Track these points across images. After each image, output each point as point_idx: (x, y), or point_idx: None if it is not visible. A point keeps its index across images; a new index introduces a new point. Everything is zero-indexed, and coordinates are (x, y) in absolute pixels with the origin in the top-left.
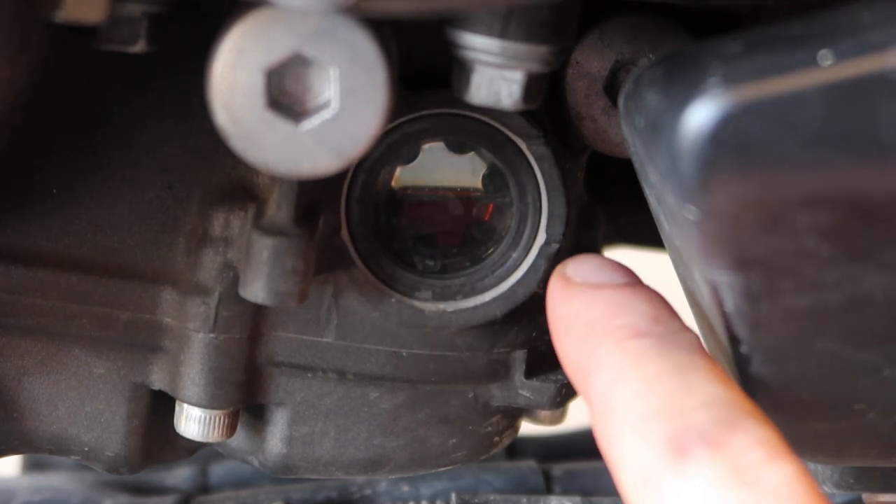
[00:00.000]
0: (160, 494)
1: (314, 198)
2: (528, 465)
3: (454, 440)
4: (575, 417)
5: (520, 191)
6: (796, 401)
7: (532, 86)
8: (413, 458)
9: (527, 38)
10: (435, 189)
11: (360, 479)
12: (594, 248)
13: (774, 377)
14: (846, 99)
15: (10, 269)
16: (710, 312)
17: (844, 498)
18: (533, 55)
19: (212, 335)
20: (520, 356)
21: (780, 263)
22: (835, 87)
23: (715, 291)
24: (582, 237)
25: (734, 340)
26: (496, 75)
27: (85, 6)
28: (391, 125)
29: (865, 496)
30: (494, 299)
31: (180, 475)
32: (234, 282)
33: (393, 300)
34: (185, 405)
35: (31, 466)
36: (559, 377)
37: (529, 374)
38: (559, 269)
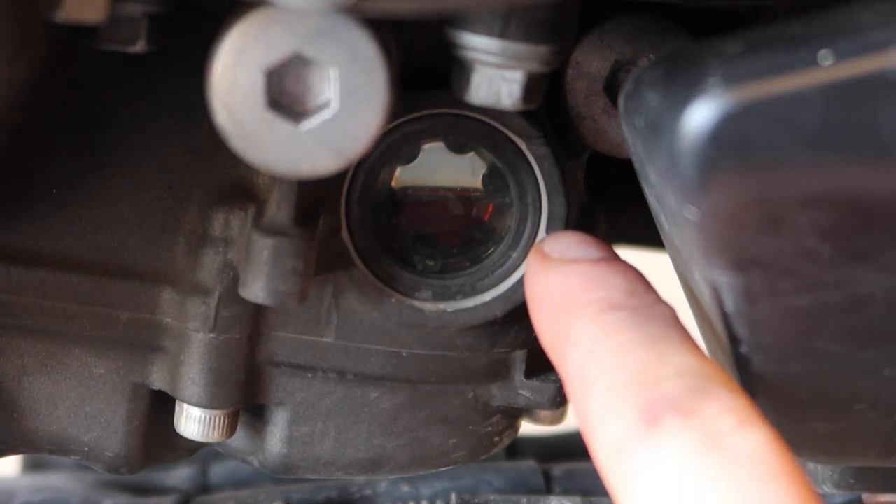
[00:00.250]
0: (160, 494)
1: (314, 198)
2: (528, 465)
3: (454, 440)
4: (575, 417)
5: (520, 191)
6: (796, 401)
7: (532, 86)
8: (413, 458)
9: (527, 38)
10: (435, 189)
11: (360, 479)
12: None
13: (774, 377)
14: (846, 99)
15: (10, 269)
16: (710, 312)
17: (844, 498)
18: (533, 55)
19: (212, 335)
20: (520, 356)
21: (780, 263)
22: (835, 87)
23: (715, 291)
24: None
25: (734, 340)
26: (496, 75)
27: (85, 6)
28: (391, 125)
29: (865, 496)
30: (494, 299)
31: (180, 475)
32: (234, 282)
33: (393, 300)
34: (185, 405)
35: (31, 466)
36: (559, 377)
37: (529, 374)
38: (536, 246)
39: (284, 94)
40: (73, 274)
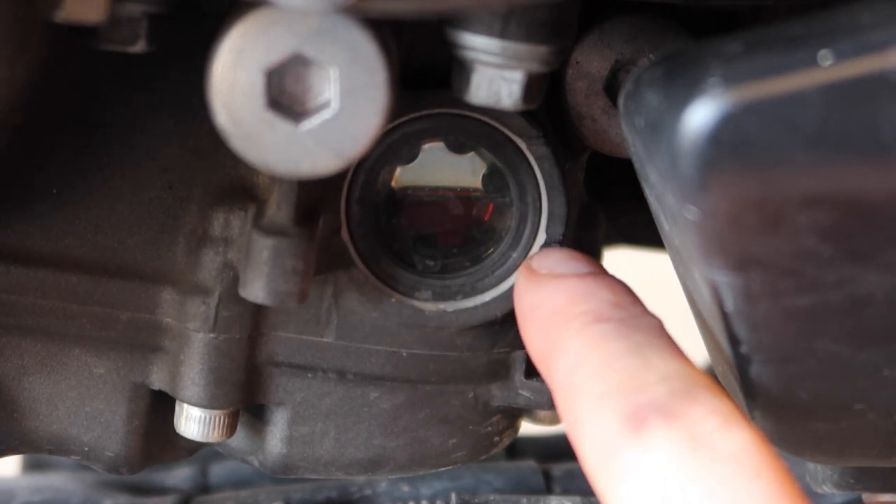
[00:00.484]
0: (160, 494)
1: (314, 198)
2: (528, 465)
3: (454, 440)
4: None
5: (520, 191)
6: (796, 401)
7: (532, 86)
8: (413, 458)
9: (527, 38)
10: (435, 189)
11: (360, 479)
12: (594, 248)
13: (774, 377)
14: (846, 99)
15: (10, 269)
16: (710, 312)
17: (844, 498)
18: (533, 55)
19: (212, 335)
20: (520, 356)
21: (780, 263)
22: (835, 87)
23: (715, 291)
24: (582, 237)
25: (734, 340)
26: (496, 75)
27: (85, 6)
28: (391, 125)
29: (865, 496)
30: (494, 299)
31: (180, 475)
32: (234, 282)
33: (393, 300)
34: (185, 405)
35: (31, 466)
36: None
37: (529, 374)
38: (525, 262)
39: (284, 94)
40: (73, 274)
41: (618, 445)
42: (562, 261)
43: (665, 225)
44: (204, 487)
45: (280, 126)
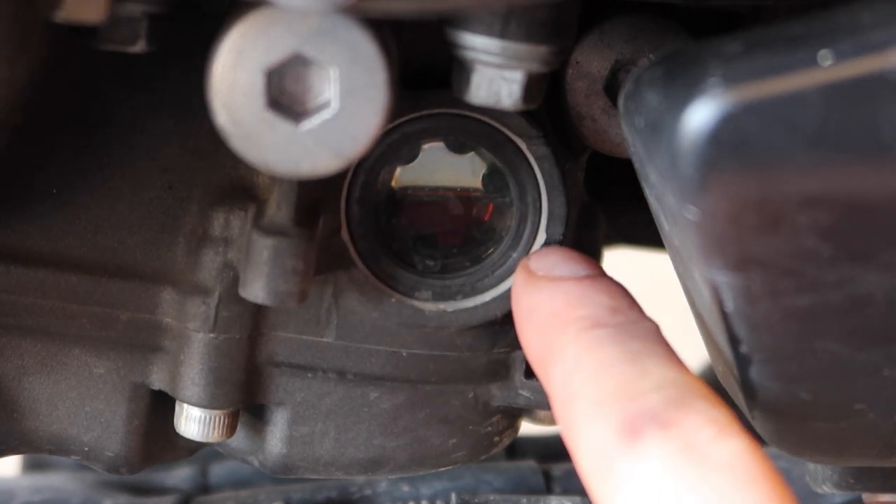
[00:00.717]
0: (160, 494)
1: (314, 198)
2: (528, 465)
3: (454, 440)
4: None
5: (520, 191)
6: (796, 401)
7: (532, 86)
8: (413, 458)
9: (527, 38)
10: (435, 189)
11: (360, 479)
12: (594, 248)
13: (774, 377)
14: (846, 99)
15: (10, 269)
16: (710, 313)
17: (844, 498)
18: (533, 55)
19: (212, 335)
20: (520, 356)
21: (780, 263)
22: (835, 87)
23: (715, 291)
24: (582, 237)
25: (734, 340)
26: (496, 75)
27: (85, 6)
28: (391, 125)
29: (865, 496)
30: (494, 299)
31: (180, 475)
32: (234, 282)
33: (393, 300)
34: (185, 405)
35: (31, 466)
36: None
37: (529, 374)
38: (523, 262)
39: (284, 94)
40: (73, 274)
41: (613, 455)
42: (559, 262)
43: (665, 225)
44: (204, 487)
45: (280, 126)
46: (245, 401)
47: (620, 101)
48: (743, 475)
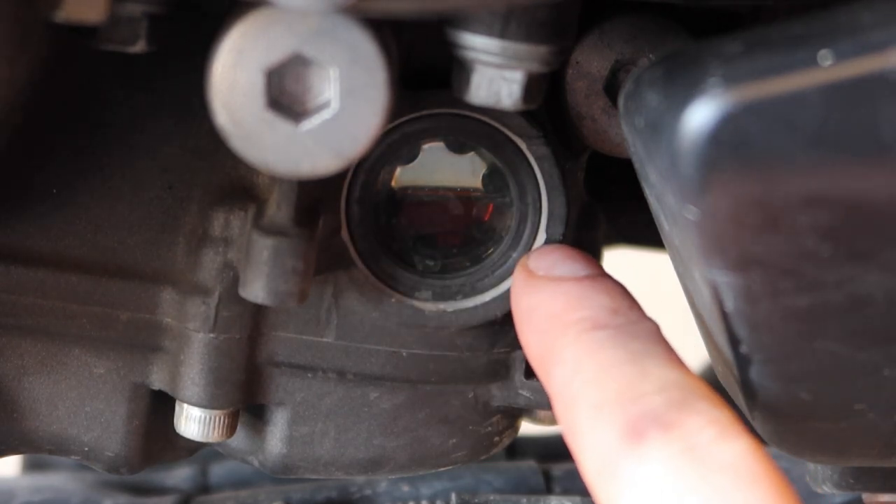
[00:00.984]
0: (160, 494)
1: (314, 198)
2: (528, 465)
3: (454, 440)
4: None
5: (520, 191)
6: (796, 401)
7: (532, 86)
8: (413, 458)
9: (527, 38)
10: (435, 189)
11: (360, 479)
12: (594, 248)
13: (774, 377)
14: (846, 99)
15: (10, 269)
16: (710, 313)
17: (844, 498)
18: (533, 55)
19: (212, 335)
20: (520, 356)
21: (780, 263)
22: (835, 87)
23: (715, 291)
24: (582, 237)
25: (734, 340)
26: (496, 75)
27: (85, 6)
28: (391, 125)
29: (865, 496)
30: (494, 299)
31: (180, 475)
32: (234, 282)
33: (393, 300)
34: (185, 405)
35: (31, 466)
36: None
37: (529, 374)
38: (522, 260)
39: (284, 94)
40: (73, 274)
41: (616, 458)
42: (559, 261)
43: (665, 225)
44: (204, 487)
45: (280, 126)
46: (245, 401)
47: (620, 101)
48: (745, 476)
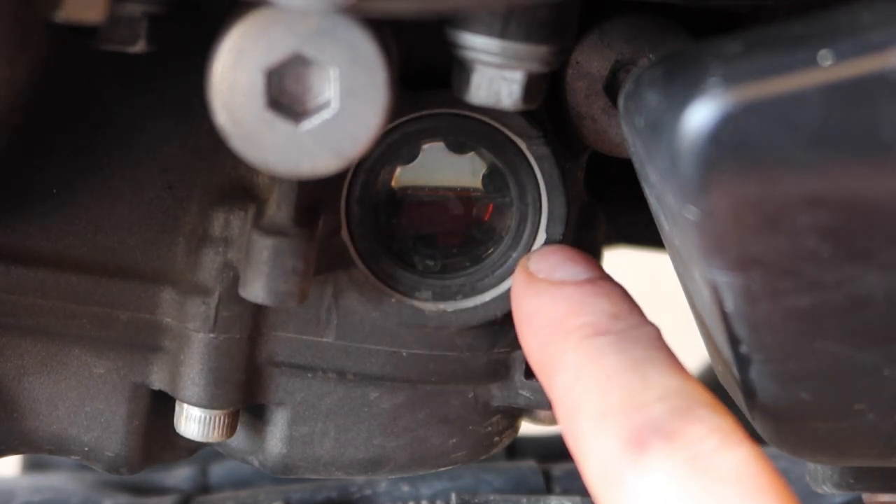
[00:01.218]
0: (160, 494)
1: (314, 198)
2: (528, 465)
3: (454, 440)
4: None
5: (520, 191)
6: (796, 401)
7: (532, 86)
8: (413, 458)
9: (527, 38)
10: (435, 189)
11: (360, 479)
12: (594, 248)
13: (774, 377)
14: (846, 99)
15: (10, 269)
16: (710, 313)
17: (844, 498)
18: (533, 55)
19: (212, 335)
20: (520, 356)
21: (780, 263)
22: (835, 87)
23: (715, 291)
24: (582, 237)
25: (734, 340)
26: (496, 75)
27: (85, 6)
28: (391, 125)
29: (865, 496)
30: (494, 299)
31: (180, 475)
32: (234, 282)
33: (393, 300)
34: (185, 405)
35: (31, 466)
36: None
37: (529, 374)
38: (522, 262)
39: (284, 94)
40: (73, 274)
41: (619, 467)
42: (559, 264)
43: (665, 225)
44: (204, 487)
45: (280, 126)
46: (245, 401)
47: (620, 101)
48: (749, 486)
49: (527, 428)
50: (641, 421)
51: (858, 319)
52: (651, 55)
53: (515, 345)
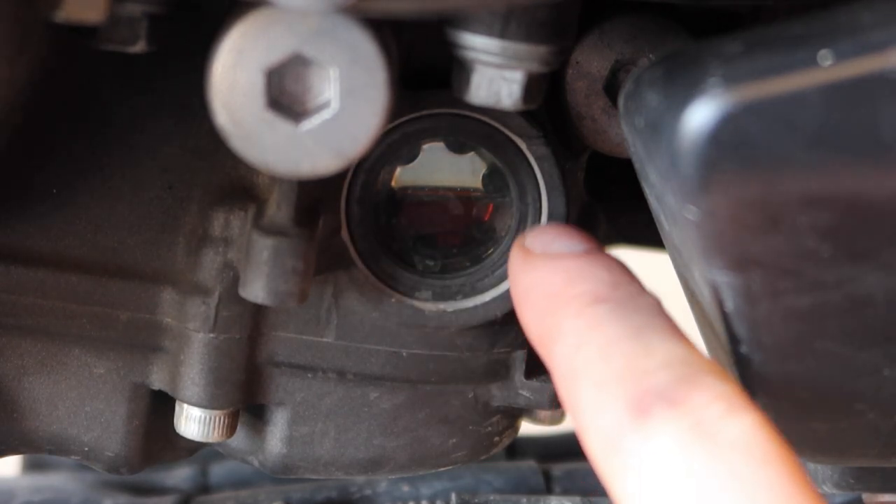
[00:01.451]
0: (160, 494)
1: (314, 198)
2: (528, 465)
3: (454, 440)
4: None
5: (520, 191)
6: (796, 401)
7: (532, 86)
8: (413, 458)
9: (527, 38)
10: (435, 189)
11: (360, 479)
12: None
13: (774, 377)
14: (846, 99)
15: (10, 269)
16: (710, 312)
17: (844, 498)
18: (533, 55)
19: (212, 335)
20: (520, 356)
21: (780, 263)
22: (835, 87)
23: (715, 291)
24: None
25: (734, 340)
26: (496, 75)
27: (85, 6)
28: (391, 125)
29: (865, 496)
30: (494, 299)
31: (180, 475)
32: (234, 282)
33: (393, 300)
34: (185, 405)
35: (31, 466)
36: None
37: (529, 374)
38: (518, 240)
39: (284, 94)
40: (73, 274)
41: (622, 435)
42: (555, 238)
43: (665, 225)
44: (204, 487)
45: (280, 126)
46: (245, 401)
47: (620, 101)
48: (754, 452)
49: (527, 428)
50: (645, 388)
51: (858, 319)
52: (651, 55)
53: (515, 345)
